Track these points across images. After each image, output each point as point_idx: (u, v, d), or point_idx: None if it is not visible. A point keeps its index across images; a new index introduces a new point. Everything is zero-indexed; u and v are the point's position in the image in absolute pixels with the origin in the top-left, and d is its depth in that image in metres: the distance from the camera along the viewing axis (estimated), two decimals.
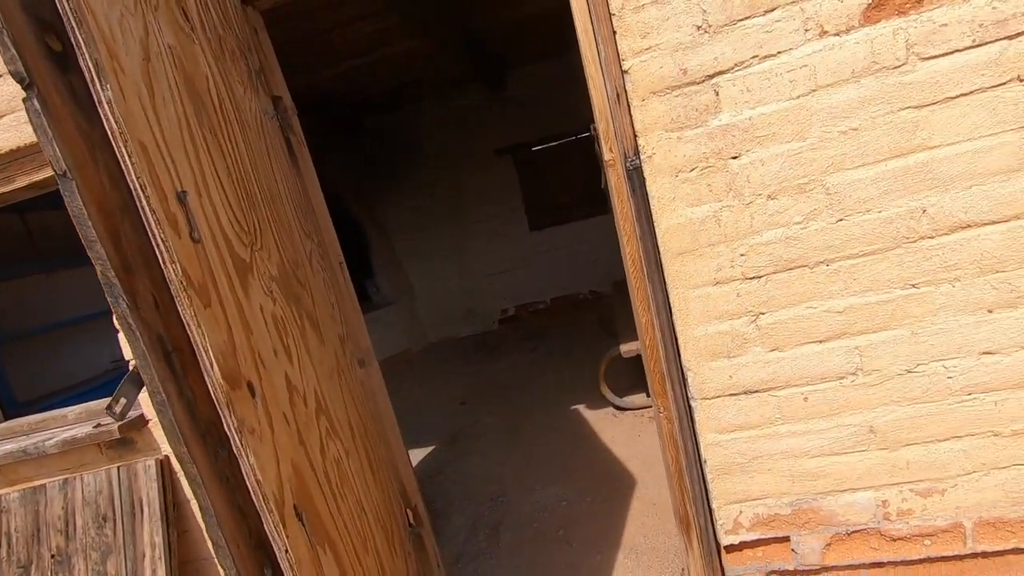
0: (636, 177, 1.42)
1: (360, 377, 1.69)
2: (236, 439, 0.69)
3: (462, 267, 6.65)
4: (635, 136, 1.41)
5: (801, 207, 1.36)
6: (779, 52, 1.30)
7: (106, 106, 0.62)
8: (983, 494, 1.42)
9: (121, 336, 1.65)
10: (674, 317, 1.48)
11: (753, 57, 1.31)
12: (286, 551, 0.71)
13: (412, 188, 6.42)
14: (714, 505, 1.57)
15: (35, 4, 0.65)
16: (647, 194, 1.43)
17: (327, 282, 1.59)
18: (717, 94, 1.35)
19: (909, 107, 1.28)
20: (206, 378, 0.67)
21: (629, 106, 1.39)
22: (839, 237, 1.36)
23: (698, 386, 1.51)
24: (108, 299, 0.64)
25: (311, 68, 4.15)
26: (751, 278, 1.42)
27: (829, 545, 1.53)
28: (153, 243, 0.65)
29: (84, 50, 0.60)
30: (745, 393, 1.48)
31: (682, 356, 1.50)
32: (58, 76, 0.64)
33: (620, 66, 1.37)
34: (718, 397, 1.50)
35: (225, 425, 0.68)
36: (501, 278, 6.60)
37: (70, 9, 0.59)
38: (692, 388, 1.51)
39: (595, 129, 1.46)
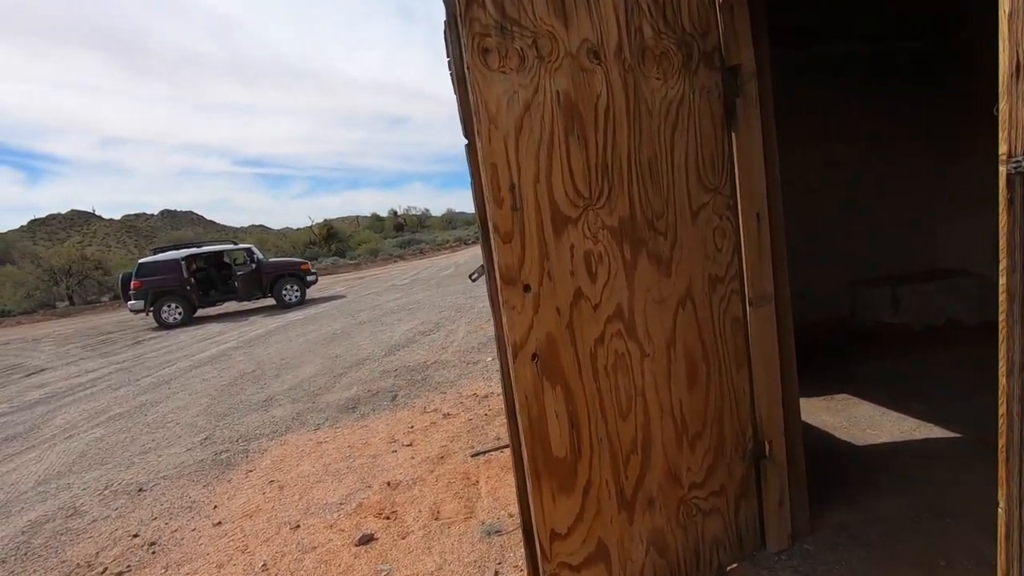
0: (1021, 184, 0.98)
1: (736, 314, 1.96)
2: (499, 308, 1.45)
3: None
4: None
5: None
6: None
7: (477, 150, 1.40)
8: None
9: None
10: None
11: None
12: (507, 369, 1.46)
13: None
14: None
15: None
16: None
17: (721, 230, 1.90)
18: None
19: None
20: (495, 274, 1.45)
21: None
22: None
23: None
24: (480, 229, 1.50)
25: None
26: None
27: None
28: (486, 211, 1.43)
29: (473, 125, 1.39)
30: None
31: None
32: None
33: None
34: None
35: (498, 300, 1.45)
36: None
37: (472, 108, 1.38)
38: None
39: (996, 110, 1.03)
